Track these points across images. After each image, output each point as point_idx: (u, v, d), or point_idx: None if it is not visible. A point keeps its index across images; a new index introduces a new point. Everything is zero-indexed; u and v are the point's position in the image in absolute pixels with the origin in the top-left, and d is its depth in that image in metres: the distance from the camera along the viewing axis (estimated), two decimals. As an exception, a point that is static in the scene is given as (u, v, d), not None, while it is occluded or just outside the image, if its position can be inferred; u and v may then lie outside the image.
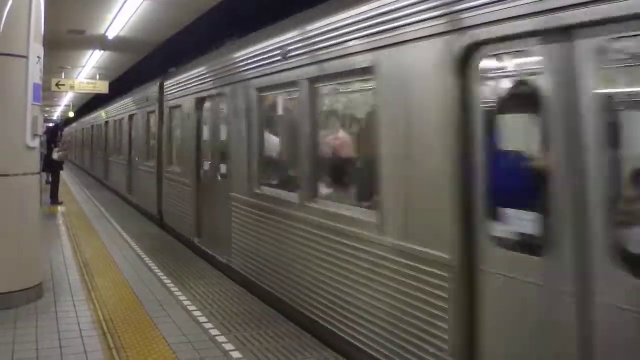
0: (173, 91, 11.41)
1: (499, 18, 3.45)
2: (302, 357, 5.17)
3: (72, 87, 22.17)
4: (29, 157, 6.72)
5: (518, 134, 3.73)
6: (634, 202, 3.22)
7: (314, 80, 5.68)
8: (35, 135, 6.67)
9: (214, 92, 8.88)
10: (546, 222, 3.26)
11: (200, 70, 9.65)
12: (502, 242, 3.53)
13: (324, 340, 5.41)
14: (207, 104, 9.50)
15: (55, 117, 50.41)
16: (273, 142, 7.76)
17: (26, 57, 6.51)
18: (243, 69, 7.54)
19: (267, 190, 7.02)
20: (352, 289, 4.92)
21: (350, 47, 4.99)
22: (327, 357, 5.16)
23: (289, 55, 6.06)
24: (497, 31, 3.49)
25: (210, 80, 9.04)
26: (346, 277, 4.99)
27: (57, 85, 21.39)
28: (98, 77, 22.80)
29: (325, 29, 5.41)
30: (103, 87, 22.02)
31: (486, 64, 3.73)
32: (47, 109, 46.09)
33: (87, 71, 23.08)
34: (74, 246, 9.98)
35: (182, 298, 6.90)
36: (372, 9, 4.68)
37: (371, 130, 4.90)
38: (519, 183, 3.64)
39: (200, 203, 9.63)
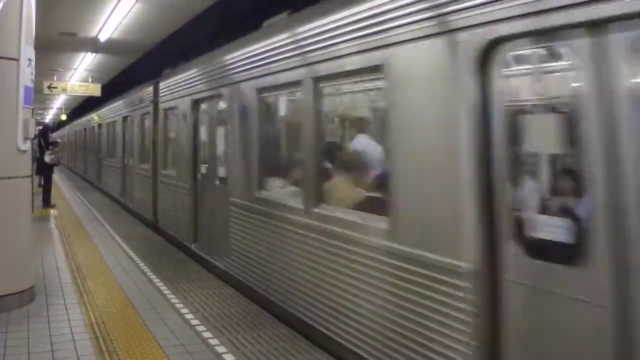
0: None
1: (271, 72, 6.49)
2: (294, 359, 5.17)
3: (64, 90, 22.10)
4: (20, 160, 6.69)
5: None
6: None
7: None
8: (26, 139, 6.64)
9: None
10: None
11: None
12: None
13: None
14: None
15: (47, 120, 50.20)
16: None
17: (17, 60, 6.49)
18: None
19: None
20: None
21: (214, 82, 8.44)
22: (320, 359, 5.17)
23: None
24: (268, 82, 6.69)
25: None
26: None
27: (49, 87, 21.32)
28: (90, 79, 22.74)
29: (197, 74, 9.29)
30: (95, 90, 21.96)
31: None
32: (39, 111, 45.93)
33: (79, 73, 23.03)
34: (66, 249, 9.95)
35: (175, 301, 6.88)
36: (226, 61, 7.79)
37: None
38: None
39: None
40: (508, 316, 3.47)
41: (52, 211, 15.10)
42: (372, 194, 5.38)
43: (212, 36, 10.92)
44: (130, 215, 14.61)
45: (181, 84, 10.42)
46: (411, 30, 4.26)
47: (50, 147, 16.69)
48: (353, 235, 4.95)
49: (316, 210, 5.60)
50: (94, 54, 19.04)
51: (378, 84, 5.11)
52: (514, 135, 3.53)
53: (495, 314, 3.53)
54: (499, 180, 3.60)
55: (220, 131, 8.62)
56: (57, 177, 19.76)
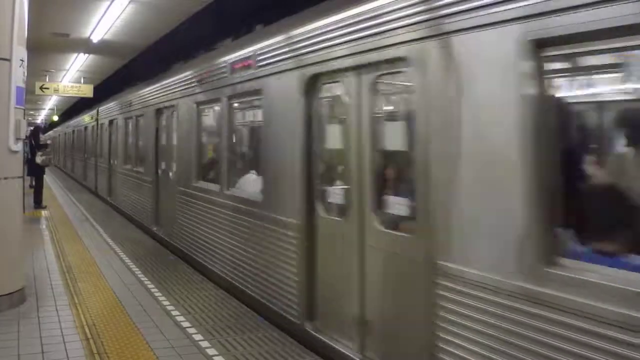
0: None
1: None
2: (285, 361, 5.19)
3: (56, 91, 22.02)
4: (12, 161, 6.68)
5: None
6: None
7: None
8: (17, 139, 6.62)
9: None
10: None
11: None
12: None
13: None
14: None
15: (38, 121, 50.02)
16: None
17: (9, 60, 6.47)
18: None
19: None
20: None
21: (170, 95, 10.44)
22: (311, 362, 5.20)
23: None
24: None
25: None
26: None
27: (41, 88, 21.24)
28: (82, 80, 22.69)
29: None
30: (87, 91, 21.90)
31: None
32: (31, 112, 45.77)
33: (72, 74, 22.97)
34: (56, 250, 9.91)
35: (166, 303, 6.87)
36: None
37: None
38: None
39: None
40: (318, 248, 5.61)
41: (43, 212, 15.06)
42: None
43: (206, 37, 10.92)
44: (114, 212, 14.61)
45: (146, 96, 12.57)
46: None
47: (42, 148, 16.64)
48: (245, 207, 7.11)
49: (226, 192, 7.81)
50: (86, 55, 19.00)
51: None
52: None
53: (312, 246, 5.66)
54: (314, 169, 5.71)
55: (173, 135, 10.63)
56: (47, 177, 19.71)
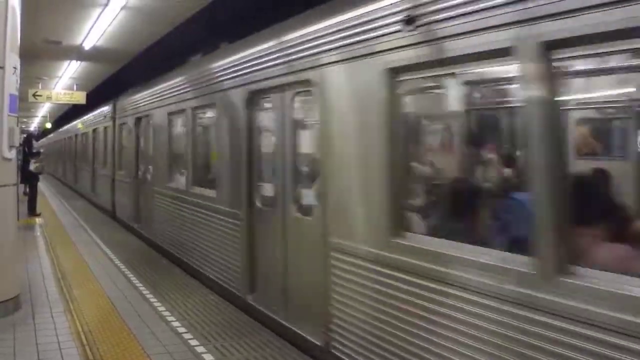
0: None
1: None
2: (281, 365, 5.20)
3: (48, 98, 21.93)
4: (5, 169, 6.67)
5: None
6: None
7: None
8: (11, 147, 6.62)
9: None
10: None
11: None
12: None
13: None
14: None
15: (31, 128, 49.82)
16: None
17: (2, 68, 6.47)
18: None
19: None
20: None
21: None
22: (307, 365, 5.20)
23: None
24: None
25: None
26: None
27: (34, 95, 21.16)
28: (75, 87, 22.63)
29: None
30: (80, 98, 21.83)
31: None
32: (24, 119, 45.60)
33: (64, 81, 22.89)
34: (51, 257, 9.89)
35: (161, 309, 6.87)
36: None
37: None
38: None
39: None
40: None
41: (38, 219, 15.02)
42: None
43: (197, 44, 10.94)
44: (114, 221, 14.61)
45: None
46: None
47: (36, 156, 16.61)
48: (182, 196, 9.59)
49: (169, 184, 10.15)
50: (78, 62, 18.96)
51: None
52: None
53: None
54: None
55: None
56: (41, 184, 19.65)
